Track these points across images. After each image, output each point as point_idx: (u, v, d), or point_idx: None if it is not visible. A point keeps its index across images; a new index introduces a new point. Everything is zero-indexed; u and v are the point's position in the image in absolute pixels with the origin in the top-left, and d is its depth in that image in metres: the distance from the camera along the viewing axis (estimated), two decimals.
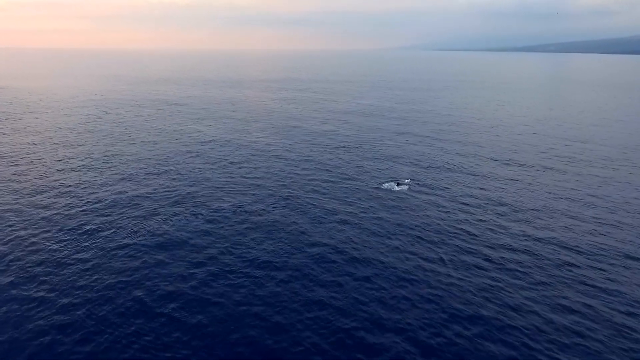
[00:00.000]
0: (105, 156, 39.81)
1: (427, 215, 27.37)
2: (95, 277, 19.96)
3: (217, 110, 68.65)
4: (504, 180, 34.62)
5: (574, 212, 28.32)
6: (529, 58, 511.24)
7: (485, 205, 29.14)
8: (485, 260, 21.94)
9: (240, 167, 37.15)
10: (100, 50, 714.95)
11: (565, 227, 26.06)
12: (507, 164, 39.34)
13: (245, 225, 25.46)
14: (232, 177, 34.37)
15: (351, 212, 27.60)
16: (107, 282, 19.60)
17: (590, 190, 32.47)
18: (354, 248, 22.96)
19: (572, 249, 23.31)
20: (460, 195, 30.96)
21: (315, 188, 32.08)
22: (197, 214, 26.96)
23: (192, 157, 40.38)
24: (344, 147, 45.33)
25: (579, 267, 21.49)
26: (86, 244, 22.99)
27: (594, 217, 27.49)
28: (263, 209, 27.84)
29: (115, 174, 34.70)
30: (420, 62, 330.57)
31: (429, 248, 23.12)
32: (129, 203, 28.54)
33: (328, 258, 21.86)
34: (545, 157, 42.05)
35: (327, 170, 36.83)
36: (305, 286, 19.52)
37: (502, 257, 22.22)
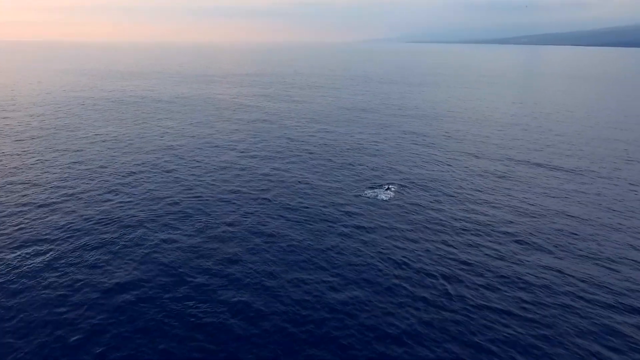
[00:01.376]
0: (53, 166, 35.91)
1: (419, 234, 24.76)
2: (19, 325, 16.71)
3: (185, 107, 64.88)
4: (498, 181, 32.29)
5: (577, 214, 26.16)
6: (503, 50, 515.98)
7: (484, 215, 26.70)
8: (487, 287, 19.42)
9: (205, 172, 33.90)
10: (65, 43, 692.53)
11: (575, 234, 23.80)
12: (499, 162, 37.09)
13: (204, 246, 22.39)
14: (198, 186, 31.14)
15: (329, 228, 24.79)
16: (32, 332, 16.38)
17: (605, 197, 30.40)
18: (330, 284, 20.16)
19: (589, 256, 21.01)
20: (454, 203, 28.47)
21: (289, 198, 29.14)
22: (161, 238, 23.74)
23: (156, 164, 36.90)
24: (321, 146, 42.50)
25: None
26: (17, 281, 19.62)
27: (613, 225, 25.31)
28: (227, 230, 24.79)
29: (64, 188, 31.09)
30: (396, 55, 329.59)
31: (425, 278, 20.50)
32: (76, 228, 25.13)
33: (303, 291, 19.04)
34: (537, 153, 40.01)
35: (303, 174, 33.91)
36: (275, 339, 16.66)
37: (509, 284, 19.74)
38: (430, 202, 28.50)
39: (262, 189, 30.31)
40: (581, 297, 18.34)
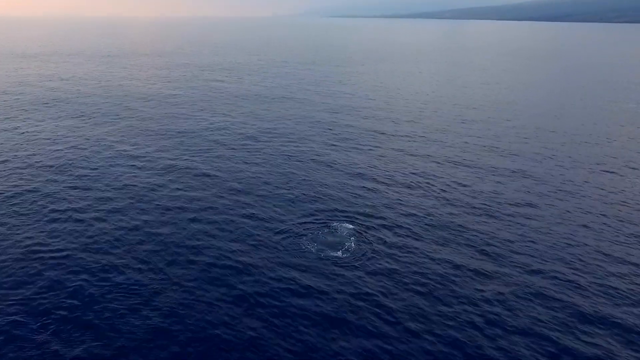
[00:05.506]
0: None
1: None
2: None
3: (73, 96, 52.90)
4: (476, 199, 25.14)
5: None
6: (428, 25, 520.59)
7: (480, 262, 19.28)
8: None
9: (75, 194, 24.09)
10: None
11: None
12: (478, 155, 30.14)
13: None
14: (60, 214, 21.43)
15: (247, 318, 16.39)
16: None
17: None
18: None
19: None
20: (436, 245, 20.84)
21: (190, 247, 20.21)
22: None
23: (20, 180, 26.61)
24: (241, 155, 33.43)
25: None
26: None
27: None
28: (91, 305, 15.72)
29: None
30: (319, 31, 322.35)
31: None
32: None
33: None
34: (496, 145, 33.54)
35: (213, 202, 24.84)
36: None
37: None
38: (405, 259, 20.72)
39: (144, 235, 21.15)
40: None
